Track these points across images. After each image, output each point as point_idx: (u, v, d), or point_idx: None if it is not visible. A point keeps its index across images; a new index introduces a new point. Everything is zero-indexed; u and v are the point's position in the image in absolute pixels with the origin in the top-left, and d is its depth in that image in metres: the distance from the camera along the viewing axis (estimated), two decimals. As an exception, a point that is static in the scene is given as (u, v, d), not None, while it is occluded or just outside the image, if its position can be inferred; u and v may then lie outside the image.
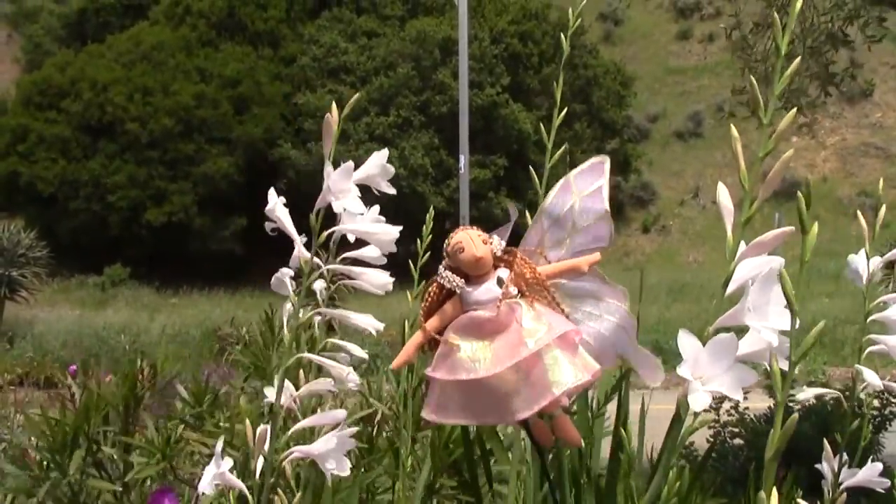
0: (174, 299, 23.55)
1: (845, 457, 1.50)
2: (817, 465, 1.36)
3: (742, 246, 1.09)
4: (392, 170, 1.22)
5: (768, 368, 1.04)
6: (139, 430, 1.86)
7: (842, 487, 1.50)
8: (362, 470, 1.85)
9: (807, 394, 1.60)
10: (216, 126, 26.39)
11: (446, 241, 1.30)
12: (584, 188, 1.33)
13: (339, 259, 1.31)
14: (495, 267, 1.29)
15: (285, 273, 1.23)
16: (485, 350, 1.24)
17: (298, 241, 1.19)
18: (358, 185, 1.18)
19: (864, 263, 1.29)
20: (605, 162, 1.35)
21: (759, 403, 3.62)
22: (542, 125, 1.55)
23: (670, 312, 16.36)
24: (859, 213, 1.11)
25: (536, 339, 1.22)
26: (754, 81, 0.99)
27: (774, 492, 0.82)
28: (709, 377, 0.99)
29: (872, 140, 31.24)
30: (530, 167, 1.62)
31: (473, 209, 13.64)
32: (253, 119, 26.85)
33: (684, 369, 0.99)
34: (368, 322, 1.26)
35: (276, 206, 1.20)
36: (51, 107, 26.65)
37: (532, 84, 27.74)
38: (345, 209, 1.16)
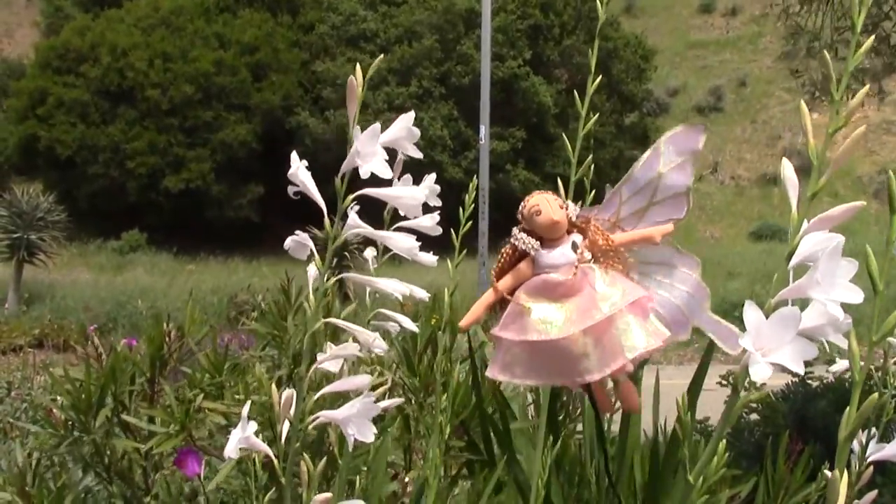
0: (191, 266, 23.66)
1: (874, 430, 1.50)
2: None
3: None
4: (418, 132, 1.18)
5: (825, 344, 1.05)
6: (161, 396, 1.87)
7: (868, 461, 1.49)
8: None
9: (839, 365, 1.60)
10: (234, 93, 26.34)
11: (522, 203, 1.31)
12: (673, 159, 1.32)
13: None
14: (569, 232, 1.30)
15: (304, 237, 1.20)
16: (557, 312, 1.25)
17: (322, 203, 1.15)
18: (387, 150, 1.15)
19: None
20: (700, 132, 1.32)
21: (776, 380, 3.62)
22: (576, 94, 1.53)
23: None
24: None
25: (611, 303, 1.24)
26: (828, 58, 0.98)
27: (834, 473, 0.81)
28: (770, 349, 0.99)
29: (894, 118, 30.88)
30: (564, 137, 1.60)
31: (491, 181, 13.59)
32: (271, 86, 26.79)
33: (746, 340, 0.99)
34: (395, 287, 1.22)
35: (299, 170, 1.17)
36: (69, 71, 26.64)
37: (552, 56, 27.51)
38: (371, 173, 1.12)
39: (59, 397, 1.78)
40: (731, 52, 35.63)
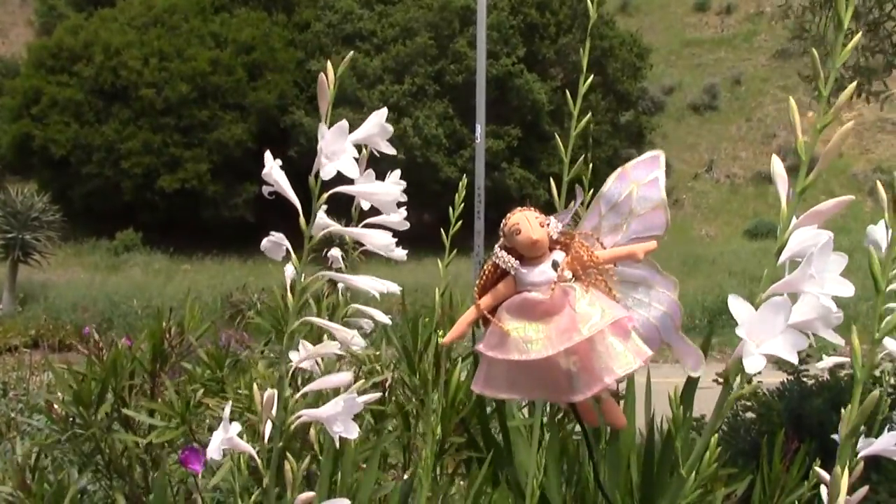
0: (186, 265, 23.64)
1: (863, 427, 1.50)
2: (834, 436, 1.37)
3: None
4: (391, 129, 1.16)
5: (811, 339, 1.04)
6: (161, 391, 1.87)
7: (859, 456, 1.50)
8: (374, 435, 1.86)
9: (826, 362, 1.60)
10: (230, 92, 26.29)
11: (503, 221, 1.31)
12: (641, 178, 1.35)
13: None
14: (551, 249, 1.30)
15: (280, 237, 1.19)
16: (537, 332, 1.25)
17: (297, 202, 1.14)
18: (358, 147, 1.12)
19: (882, 233, 1.29)
20: (660, 156, 1.37)
21: (772, 378, 3.62)
22: (567, 94, 1.52)
23: (684, 286, 16.32)
24: (879, 185, 1.11)
25: (590, 324, 1.23)
26: (816, 53, 0.99)
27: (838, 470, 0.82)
28: (762, 340, 0.98)
29: (889, 116, 30.92)
30: (557, 136, 1.59)
31: (487, 179, 13.60)
32: (266, 85, 26.74)
33: (741, 330, 0.98)
34: (372, 284, 1.22)
35: (273, 169, 1.15)
36: (63, 70, 26.57)
37: (547, 54, 27.50)
38: (338, 171, 1.09)
39: (59, 393, 1.79)
40: (726, 50, 35.66)
